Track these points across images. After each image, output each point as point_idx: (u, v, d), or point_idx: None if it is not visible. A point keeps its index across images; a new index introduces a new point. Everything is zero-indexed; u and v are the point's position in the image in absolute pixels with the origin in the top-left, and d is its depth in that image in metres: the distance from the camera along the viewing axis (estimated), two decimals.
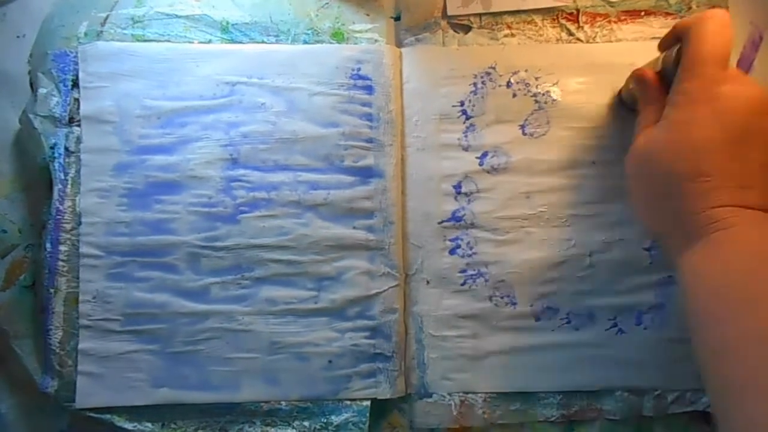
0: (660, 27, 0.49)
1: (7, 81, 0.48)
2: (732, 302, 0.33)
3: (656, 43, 0.48)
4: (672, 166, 0.37)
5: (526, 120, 0.48)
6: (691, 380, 0.46)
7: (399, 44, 0.49)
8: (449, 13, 0.49)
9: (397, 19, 0.49)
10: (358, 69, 0.47)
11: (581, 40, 0.49)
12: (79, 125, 0.46)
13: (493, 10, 0.49)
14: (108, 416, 0.45)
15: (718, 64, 0.36)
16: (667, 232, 0.38)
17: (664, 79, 0.41)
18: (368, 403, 0.46)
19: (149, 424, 0.45)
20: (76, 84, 0.46)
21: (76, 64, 0.46)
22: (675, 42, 0.40)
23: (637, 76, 0.42)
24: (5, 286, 0.46)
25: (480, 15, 0.49)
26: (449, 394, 0.46)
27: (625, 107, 0.47)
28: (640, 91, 0.42)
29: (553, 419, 0.46)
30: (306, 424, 0.45)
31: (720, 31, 0.37)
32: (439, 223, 0.47)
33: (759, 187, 0.35)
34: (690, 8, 0.49)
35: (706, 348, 0.33)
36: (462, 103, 0.48)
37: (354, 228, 0.47)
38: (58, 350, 0.45)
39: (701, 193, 0.35)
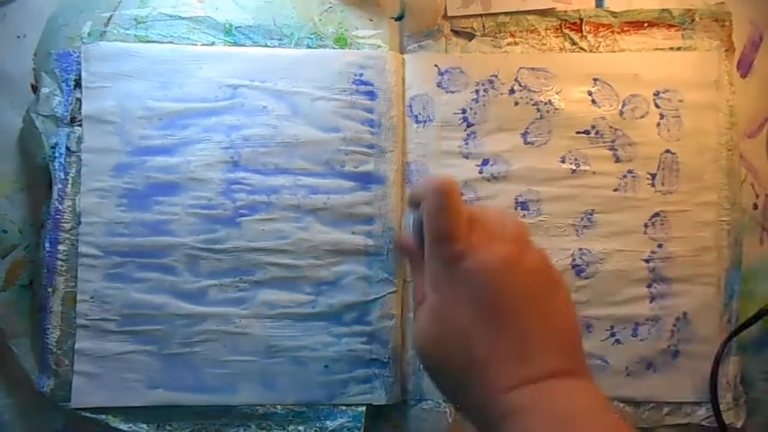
0: (663, 38, 0.49)
1: (7, 81, 0.47)
2: None
3: (659, 54, 0.49)
4: (441, 359, 0.33)
5: (527, 128, 0.48)
6: (686, 393, 0.47)
7: (402, 50, 0.49)
8: (449, 14, 0.49)
9: (398, 18, 0.49)
10: (361, 74, 0.47)
11: (584, 50, 0.49)
12: (80, 125, 0.46)
13: (493, 10, 0.49)
14: (103, 417, 0.45)
15: (451, 241, 0.33)
16: (475, 423, 0.33)
17: (418, 248, 0.36)
18: (363, 408, 0.46)
19: (144, 425, 0.45)
20: (78, 84, 0.46)
21: (79, 63, 0.46)
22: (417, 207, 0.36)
23: (398, 247, 0.41)
24: (5, 286, 0.46)
25: (483, 23, 0.49)
26: (445, 401, 0.46)
27: None
28: (408, 261, 0.40)
29: None
30: (301, 428, 0.45)
31: (445, 204, 0.33)
32: None
33: (539, 351, 0.31)
34: (693, 20, 0.49)
35: None
36: (464, 111, 0.48)
37: (353, 233, 0.47)
38: (55, 350, 0.45)
39: (481, 382, 0.31)
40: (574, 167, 0.48)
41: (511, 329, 0.32)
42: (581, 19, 0.49)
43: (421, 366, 0.38)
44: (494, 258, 0.33)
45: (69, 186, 0.46)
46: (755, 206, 0.49)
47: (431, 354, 0.34)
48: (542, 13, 0.49)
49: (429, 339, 0.34)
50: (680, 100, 0.48)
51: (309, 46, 0.48)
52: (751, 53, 0.50)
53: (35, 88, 0.47)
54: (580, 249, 0.47)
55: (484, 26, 0.49)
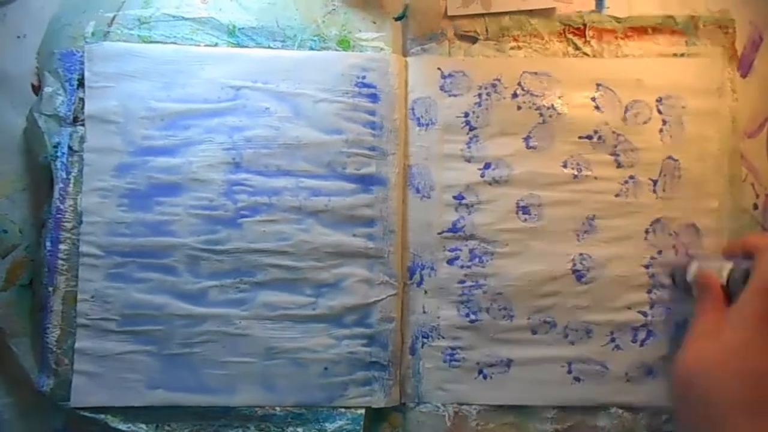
0: (666, 44, 0.49)
1: (7, 81, 0.48)
2: None
3: (662, 60, 0.49)
4: (723, 391, 0.34)
5: (530, 133, 0.48)
6: None
7: (405, 53, 0.49)
8: (449, 13, 0.49)
9: (398, 18, 0.49)
10: (364, 77, 0.47)
11: (588, 55, 0.49)
12: (83, 124, 0.46)
13: (493, 10, 0.49)
14: (103, 416, 0.45)
15: None
16: None
17: (726, 291, 0.39)
18: (363, 411, 0.46)
19: (143, 426, 0.45)
20: (81, 83, 0.46)
21: (83, 63, 0.46)
22: (744, 256, 0.39)
23: (701, 282, 0.41)
24: (6, 286, 0.46)
25: (486, 27, 0.49)
26: (443, 405, 0.47)
27: (675, 286, 0.47)
28: (701, 295, 0.41)
29: None
30: (300, 430, 0.45)
31: None
32: (439, 233, 0.47)
33: None
34: (697, 27, 0.49)
35: None
36: (466, 114, 0.48)
37: (354, 235, 0.47)
38: (55, 349, 0.45)
39: (751, 430, 0.32)
40: (575, 172, 0.48)
41: None
42: (585, 24, 0.49)
43: (678, 394, 0.37)
44: None
45: (71, 185, 0.46)
46: (755, 206, 0.49)
47: (711, 383, 0.34)
48: (544, 13, 0.49)
49: (713, 368, 0.35)
50: (683, 107, 0.48)
51: (312, 48, 0.48)
52: (751, 53, 0.50)
53: (36, 88, 0.47)
54: (581, 254, 0.47)
55: (487, 30, 0.49)
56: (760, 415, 0.32)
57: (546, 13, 0.49)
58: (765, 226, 0.49)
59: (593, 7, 0.50)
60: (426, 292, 0.47)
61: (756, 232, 0.49)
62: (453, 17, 0.49)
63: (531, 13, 0.49)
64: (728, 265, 0.40)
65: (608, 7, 0.50)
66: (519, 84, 0.48)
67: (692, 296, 0.42)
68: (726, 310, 0.38)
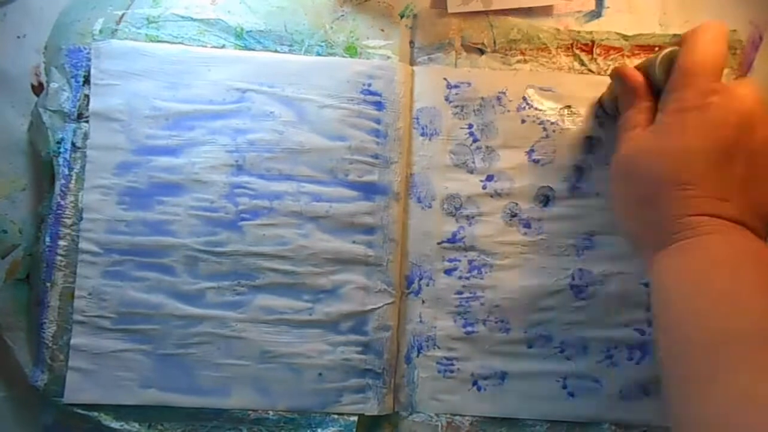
0: None
1: (7, 81, 0.47)
2: (695, 306, 0.33)
3: None
4: (657, 171, 0.37)
5: (533, 146, 0.48)
6: None
7: (412, 62, 0.49)
8: (449, 11, 0.49)
9: (401, 16, 0.49)
10: (369, 84, 0.47)
11: (593, 72, 0.49)
12: (87, 121, 0.46)
13: (493, 7, 0.49)
14: (95, 414, 0.45)
15: (711, 75, 0.37)
16: (643, 235, 0.39)
17: (648, 81, 0.41)
18: (355, 418, 0.46)
19: (136, 424, 0.45)
20: (87, 80, 0.46)
21: (89, 60, 0.46)
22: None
23: (620, 74, 0.42)
24: (4, 286, 0.46)
25: (494, 39, 0.49)
26: (436, 415, 0.47)
27: (607, 114, 0.47)
28: (623, 91, 0.42)
29: None
30: None
31: (715, 42, 0.37)
32: (439, 243, 0.47)
33: (736, 201, 0.36)
34: None
35: (668, 348, 0.34)
36: (470, 126, 0.48)
37: (354, 242, 0.47)
38: (50, 344, 0.45)
39: (682, 200, 0.36)
40: (577, 188, 0.48)
41: (725, 173, 0.36)
42: (593, 41, 0.49)
43: (616, 177, 0.40)
44: (741, 109, 0.36)
45: (72, 182, 0.46)
46: None
47: (645, 163, 0.38)
48: (542, 12, 0.49)
49: (647, 152, 0.38)
50: None
51: (319, 54, 0.48)
52: (751, 53, 0.50)
53: (36, 88, 0.47)
54: (580, 269, 0.47)
55: (495, 42, 0.49)
56: (686, 184, 0.36)
57: (545, 11, 0.49)
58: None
59: (593, 7, 0.50)
60: (423, 301, 0.47)
61: None
62: (461, 27, 0.49)
63: (530, 12, 0.49)
64: (647, 58, 0.41)
65: (608, 7, 0.50)
66: (524, 98, 0.48)
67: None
68: (651, 99, 0.40)
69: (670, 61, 0.39)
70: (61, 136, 0.46)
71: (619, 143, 0.40)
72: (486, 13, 0.49)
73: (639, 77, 0.41)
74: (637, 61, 0.49)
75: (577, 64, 0.49)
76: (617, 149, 0.40)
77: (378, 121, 0.47)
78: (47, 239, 0.45)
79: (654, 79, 0.40)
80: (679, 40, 0.39)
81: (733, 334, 0.31)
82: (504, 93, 0.48)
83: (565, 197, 0.48)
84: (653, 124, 0.38)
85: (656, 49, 0.49)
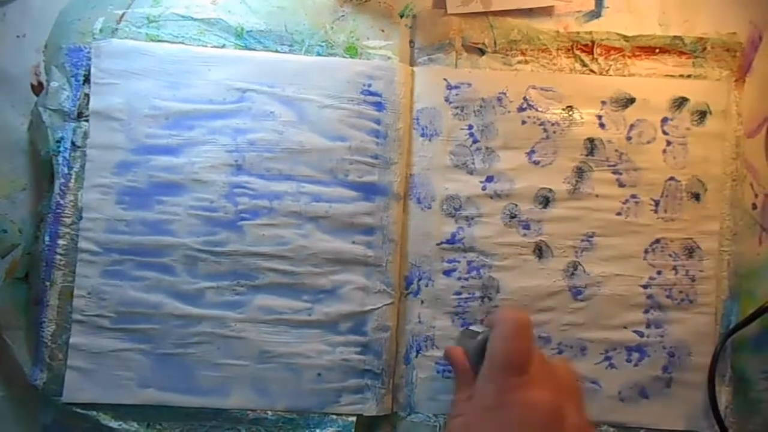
0: (673, 65, 0.49)
1: (7, 81, 0.47)
2: None
3: (669, 80, 0.49)
4: None
5: (533, 147, 0.48)
6: (678, 421, 0.46)
7: (412, 63, 0.49)
8: (449, 11, 0.49)
9: (402, 15, 0.49)
10: (369, 85, 0.47)
11: (594, 72, 0.49)
12: (87, 120, 0.46)
13: (493, 8, 0.49)
14: (94, 413, 0.45)
15: (511, 371, 0.36)
16: None
17: (472, 364, 0.40)
18: (354, 418, 0.46)
19: (134, 424, 0.45)
20: (87, 79, 0.46)
21: (89, 59, 0.46)
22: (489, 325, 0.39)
23: (447, 357, 0.43)
24: (4, 286, 0.46)
25: (495, 39, 0.49)
26: (435, 415, 0.46)
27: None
28: (453, 371, 0.42)
29: None
30: None
31: (517, 337, 0.37)
32: (438, 244, 0.47)
33: None
34: (705, 48, 0.49)
35: None
36: (470, 127, 0.48)
37: (353, 243, 0.47)
38: (49, 343, 0.45)
39: None
40: (577, 189, 0.48)
41: None
42: (593, 41, 0.49)
43: None
44: (545, 403, 0.35)
45: (72, 181, 0.46)
46: (754, 206, 0.49)
47: None
48: (543, 12, 0.49)
49: None
50: (687, 128, 0.48)
51: (319, 54, 0.48)
52: (751, 53, 0.50)
53: (35, 88, 0.47)
54: (578, 271, 0.47)
55: (495, 43, 0.49)
56: None
57: (545, 12, 0.49)
58: (764, 226, 0.49)
59: (593, 7, 0.50)
60: (422, 302, 0.47)
61: (756, 232, 0.49)
62: (461, 27, 0.49)
63: (530, 12, 0.49)
64: (476, 339, 0.40)
65: (608, 7, 0.50)
66: (524, 98, 0.48)
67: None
68: (473, 386, 0.38)
69: (483, 347, 0.38)
70: (60, 135, 0.46)
71: (447, 421, 0.40)
72: (486, 13, 0.49)
73: (463, 363, 0.41)
74: (638, 62, 0.49)
75: (578, 65, 0.49)
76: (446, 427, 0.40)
77: (378, 122, 0.47)
78: (47, 238, 0.45)
79: (472, 362, 0.40)
80: (490, 324, 0.39)
81: None
82: (504, 93, 0.48)
83: (564, 199, 0.48)
84: (462, 414, 0.38)
85: (656, 50, 0.49)
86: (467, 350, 0.40)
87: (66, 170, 0.46)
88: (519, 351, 0.36)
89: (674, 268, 0.47)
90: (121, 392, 0.45)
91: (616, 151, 0.48)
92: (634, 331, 0.47)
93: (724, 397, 0.47)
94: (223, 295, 0.46)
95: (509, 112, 0.48)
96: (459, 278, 0.47)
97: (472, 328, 0.42)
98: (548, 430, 0.35)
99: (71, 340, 0.45)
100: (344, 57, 0.48)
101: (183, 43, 0.47)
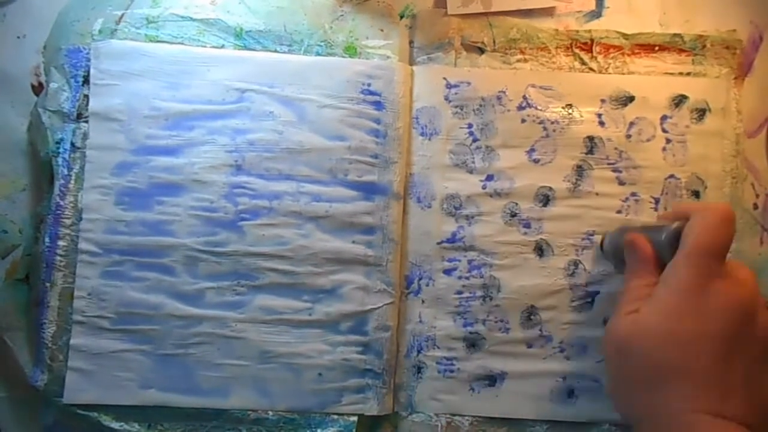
0: (673, 63, 0.49)
1: (7, 81, 0.47)
2: None
3: (668, 78, 0.49)
4: (656, 356, 0.35)
5: (533, 146, 0.48)
6: None
7: (411, 62, 0.49)
8: (449, 12, 0.49)
9: (402, 16, 0.49)
10: (369, 84, 0.47)
11: (593, 70, 0.49)
12: (86, 121, 0.46)
13: (493, 9, 0.49)
14: (95, 414, 0.45)
15: (717, 258, 0.36)
16: (639, 420, 0.36)
17: (657, 254, 0.39)
18: (355, 418, 0.46)
19: (136, 424, 0.45)
20: (87, 80, 0.46)
21: (89, 60, 0.46)
22: (674, 219, 0.39)
23: (630, 244, 0.41)
24: (5, 286, 0.46)
25: (494, 38, 0.49)
26: (436, 415, 0.46)
27: (604, 256, 0.47)
28: (630, 259, 0.41)
29: None
30: None
31: (723, 225, 0.36)
32: (438, 243, 0.47)
33: (740, 398, 0.33)
34: (704, 46, 0.49)
35: None
36: (470, 125, 0.48)
37: (353, 242, 0.47)
38: (50, 344, 0.45)
39: (681, 392, 0.34)
40: (577, 187, 0.48)
41: (728, 366, 0.34)
42: (592, 40, 0.49)
43: (611, 356, 0.38)
44: (745, 296, 0.35)
45: (72, 182, 0.46)
46: (755, 206, 0.49)
47: (644, 346, 0.35)
48: (544, 13, 0.49)
49: (645, 334, 0.35)
50: (687, 126, 0.48)
51: (318, 54, 0.48)
52: (751, 53, 0.50)
53: (36, 88, 0.47)
54: (580, 270, 0.47)
55: (494, 41, 0.49)
56: (687, 375, 0.34)
57: (546, 12, 0.49)
58: (765, 226, 0.49)
59: (593, 7, 0.50)
60: (423, 301, 0.47)
61: (756, 232, 0.49)
62: (460, 26, 0.49)
63: (531, 13, 0.49)
64: (660, 230, 0.39)
65: (608, 7, 0.50)
66: (524, 97, 0.48)
67: (623, 265, 0.42)
68: (657, 274, 0.38)
69: (677, 236, 0.37)
70: (60, 136, 0.46)
71: (617, 313, 0.38)
72: (486, 13, 0.49)
73: (649, 250, 0.39)
74: (638, 60, 0.49)
75: (577, 63, 0.49)
76: (615, 320, 0.38)
77: (377, 121, 0.47)
78: (47, 239, 0.45)
79: (659, 252, 0.39)
80: (685, 213, 0.38)
81: None
82: (504, 92, 0.48)
83: (564, 197, 0.48)
84: (652, 297, 0.37)
85: (656, 48, 0.49)
86: (654, 240, 0.39)
87: (66, 171, 0.46)
88: (725, 237, 0.36)
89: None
90: (122, 393, 0.45)
91: (616, 149, 0.48)
92: None
93: None
94: (223, 296, 0.46)
95: (509, 110, 0.48)
96: (460, 277, 0.47)
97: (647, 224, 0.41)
98: (744, 323, 0.35)
99: (72, 341, 0.45)
100: (343, 57, 0.48)
101: (182, 43, 0.47)
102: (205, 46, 0.47)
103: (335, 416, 0.46)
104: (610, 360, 0.38)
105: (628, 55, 0.49)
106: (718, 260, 0.36)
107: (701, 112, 0.48)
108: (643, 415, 0.35)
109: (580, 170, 0.48)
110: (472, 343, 0.47)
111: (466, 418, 0.46)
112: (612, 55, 0.49)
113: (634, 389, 0.36)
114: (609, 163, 0.48)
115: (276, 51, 0.48)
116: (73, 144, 0.46)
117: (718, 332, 0.34)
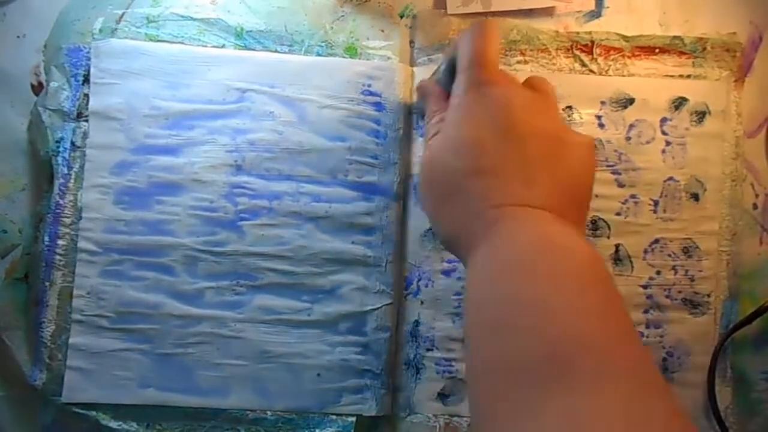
0: (673, 65, 0.49)
1: (7, 81, 0.47)
2: (485, 325, 0.30)
3: (669, 81, 0.49)
4: (452, 165, 0.36)
5: None
6: None
7: (412, 63, 0.49)
8: (449, 12, 0.49)
9: (402, 16, 0.49)
10: (369, 85, 0.47)
11: (594, 72, 0.49)
12: (87, 120, 0.46)
13: (493, 9, 0.49)
14: (93, 413, 0.45)
15: (484, 66, 0.37)
16: (455, 237, 0.36)
17: (443, 88, 0.41)
18: (354, 419, 0.46)
19: (134, 424, 0.45)
20: (87, 79, 0.46)
21: (89, 59, 0.46)
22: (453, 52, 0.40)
23: (419, 90, 0.44)
24: (4, 286, 0.46)
25: None
26: (435, 416, 0.46)
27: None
28: (425, 104, 0.42)
29: None
30: None
31: (485, 35, 0.37)
32: (438, 244, 0.47)
33: (543, 185, 0.34)
34: (704, 49, 0.49)
35: (467, 371, 0.31)
36: None
37: (353, 243, 0.47)
38: (49, 343, 0.45)
39: (481, 190, 0.34)
40: None
41: (522, 155, 0.35)
42: (592, 42, 0.49)
43: (421, 181, 0.39)
44: (521, 95, 0.36)
45: (71, 181, 0.46)
46: (755, 206, 0.49)
47: (441, 159, 0.37)
48: (543, 13, 0.49)
49: (440, 148, 0.37)
50: (686, 128, 0.48)
51: (319, 54, 0.48)
52: (751, 53, 0.50)
53: (35, 88, 0.47)
54: None
55: None
56: (482, 173, 0.34)
57: (545, 12, 0.49)
58: (765, 226, 0.49)
59: (593, 7, 0.50)
60: (422, 302, 0.47)
61: (756, 232, 0.49)
62: (460, 26, 0.49)
63: (530, 13, 0.49)
64: (440, 67, 0.41)
65: (608, 7, 0.50)
66: None
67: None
68: (447, 102, 0.39)
69: (453, 64, 0.39)
70: (60, 135, 0.46)
71: (424, 149, 0.40)
72: (486, 14, 0.49)
73: (436, 89, 0.41)
74: (638, 62, 0.49)
75: (577, 65, 0.49)
76: (422, 153, 0.40)
77: (378, 122, 0.47)
78: (46, 238, 0.45)
79: (444, 84, 0.40)
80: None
81: (521, 359, 0.27)
82: None
83: None
84: (444, 119, 0.38)
85: (656, 50, 0.49)
86: (438, 78, 0.42)
87: (65, 170, 0.46)
88: (487, 45, 0.37)
89: (673, 268, 0.48)
90: (121, 392, 0.45)
91: (616, 151, 0.48)
92: None
93: (724, 397, 0.47)
94: (222, 295, 0.46)
95: None
96: (459, 278, 0.47)
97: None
98: (525, 120, 0.35)
99: (71, 341, 0.45)
100: (344, 57, 0.48)
101: (182, 43, 0.47)
102: (205, 46, 0.47)
103: (334, 416, 0.46)
104: (421, 186, 0.39)
105: (629, 57, 0.49)
106: (486, 69, 0.37)
107: (701, 115, 0.48)
108: (458, 230, 0.35)
109: None
110: None
111: (465, 419, 0.46)
112: (612, 57, 0.49)
113: (442, 207, 0.36)
114: (608, 165, 0.48)
115: (276, 51, 0.48)
116: (73, 143, 0.46)
117: (501, 130, 0.35)
